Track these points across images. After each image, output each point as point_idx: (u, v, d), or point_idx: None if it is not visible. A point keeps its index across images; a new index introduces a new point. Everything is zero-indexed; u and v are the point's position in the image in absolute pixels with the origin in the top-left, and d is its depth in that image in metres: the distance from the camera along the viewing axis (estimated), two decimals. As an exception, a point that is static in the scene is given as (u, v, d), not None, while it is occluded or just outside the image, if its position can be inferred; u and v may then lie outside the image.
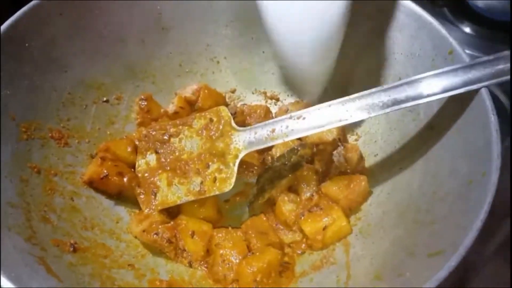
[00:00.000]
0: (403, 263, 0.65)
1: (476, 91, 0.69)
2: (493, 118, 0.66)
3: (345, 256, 0.77)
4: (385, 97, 0.71)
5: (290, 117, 0.76)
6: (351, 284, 0.69)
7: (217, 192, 0.79)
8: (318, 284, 0.74)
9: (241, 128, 0.82)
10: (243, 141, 0.80)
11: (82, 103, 0.87)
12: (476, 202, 0.60)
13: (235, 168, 0.79)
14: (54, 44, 0.81)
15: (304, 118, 0.76)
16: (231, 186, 0.79)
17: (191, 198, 0.80)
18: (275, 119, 0.78)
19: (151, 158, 0.85)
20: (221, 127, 0.83)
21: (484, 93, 0.69)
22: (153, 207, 0.81)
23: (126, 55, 0.92)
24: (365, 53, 0.90)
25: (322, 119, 0.74)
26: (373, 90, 0.72)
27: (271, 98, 1.03)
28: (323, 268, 0.77)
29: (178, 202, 0.81)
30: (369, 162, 0.89)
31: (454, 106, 0.74)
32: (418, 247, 0.66)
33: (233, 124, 0.83)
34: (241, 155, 0.80)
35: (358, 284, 0.68)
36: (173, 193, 0.81)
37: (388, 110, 0.71)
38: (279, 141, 0.77)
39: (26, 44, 0.77)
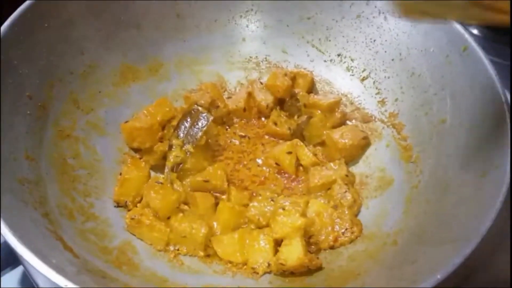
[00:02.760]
0: (414, 251, 0.66)
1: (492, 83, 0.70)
2: (507, 112, 0.67)
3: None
4: None
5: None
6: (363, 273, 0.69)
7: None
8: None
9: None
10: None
11: (97, 86, 0.87)
12: (491, 193, 0.61)
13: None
14: (71, 26, 0.82)
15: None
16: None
17: None
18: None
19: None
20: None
21: (499, 85, 0.70)
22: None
23: (141, 41, 0.92)
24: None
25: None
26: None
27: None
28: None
29: None
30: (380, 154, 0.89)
31: (467, 100, 0.75)
32: (429, 236, 0.67)
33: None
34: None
35: (372, 273, 0.68)
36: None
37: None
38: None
39: (45, 25, 0.78)
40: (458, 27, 0.79)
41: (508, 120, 0.66)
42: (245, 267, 0.74)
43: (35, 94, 0.76)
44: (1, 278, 0.75)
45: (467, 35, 0.78)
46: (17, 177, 0.66)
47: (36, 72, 0.77)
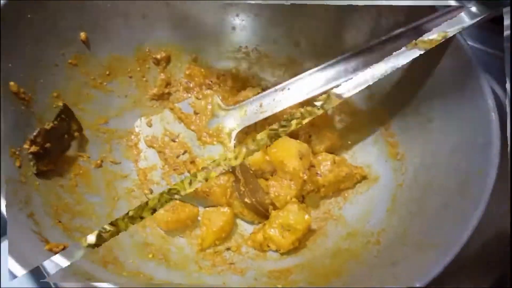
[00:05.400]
0: (396, 252, 0.67)
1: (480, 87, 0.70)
2: (494, 117, 0.67)
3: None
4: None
5: (275, 90, 0.84)
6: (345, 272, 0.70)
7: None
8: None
9: (231, 107, 0.89)
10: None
11: (83, 78, 0.86)
12: (473, 200, 0.62)
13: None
14: (56, 17, 0.79)
15: (288, 89, 0.83)
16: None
17: None
18: (262, 94, 0.86)
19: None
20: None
21: (487, 90, 0.70)
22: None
23: (128, 30, 0.90)
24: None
25: (305, 87, 0.81)
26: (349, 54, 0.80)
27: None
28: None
29: None
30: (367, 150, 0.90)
31: (455, 101, 0.75)
32: (411, 238, 0.68)
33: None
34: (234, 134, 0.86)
35: (354, 272, 0.69)
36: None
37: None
38: (268, 113, 0.83)
39: (28, 16, 0.76)
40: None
41: (494, 126, 0.67)
42: (232, 266, 0.75)
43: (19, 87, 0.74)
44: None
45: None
46: (4, 177, 0.66)
47: (20, 65, 0.75)
